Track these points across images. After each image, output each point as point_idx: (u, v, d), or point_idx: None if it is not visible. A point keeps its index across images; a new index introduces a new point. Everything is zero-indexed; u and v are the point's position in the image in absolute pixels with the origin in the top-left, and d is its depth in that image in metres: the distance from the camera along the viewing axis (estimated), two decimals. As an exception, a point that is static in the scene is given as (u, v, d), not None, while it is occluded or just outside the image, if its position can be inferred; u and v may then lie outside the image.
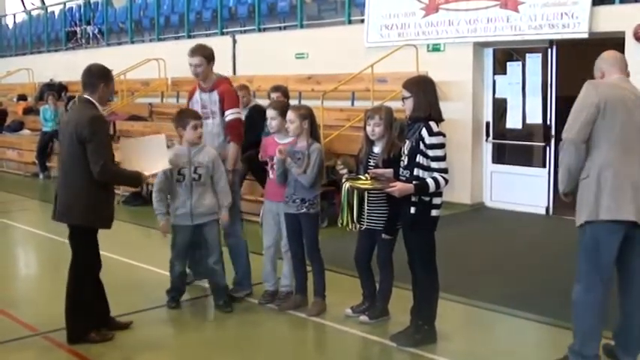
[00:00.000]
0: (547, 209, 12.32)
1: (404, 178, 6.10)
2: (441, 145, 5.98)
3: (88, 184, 6.17)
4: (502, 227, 11.75)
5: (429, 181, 5.93)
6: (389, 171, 6.37)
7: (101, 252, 6.73)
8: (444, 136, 6.02)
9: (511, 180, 12.84)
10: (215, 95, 7.73)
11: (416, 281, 6.44)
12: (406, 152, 6.15)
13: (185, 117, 7.23)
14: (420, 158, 5.99)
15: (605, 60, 5.88)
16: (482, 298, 7.64)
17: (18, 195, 15.58)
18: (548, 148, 12.32)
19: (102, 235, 6.43)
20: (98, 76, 6.47)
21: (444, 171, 5.98)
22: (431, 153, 5.95)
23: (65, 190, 6.34)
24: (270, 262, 7.45)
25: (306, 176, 6.92)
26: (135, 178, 6.63)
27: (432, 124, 5.98)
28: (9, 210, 13.91)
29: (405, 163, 6.14)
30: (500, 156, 13.28)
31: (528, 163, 13.06)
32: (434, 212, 6.09)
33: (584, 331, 5.65)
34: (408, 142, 6.14)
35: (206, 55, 7.76)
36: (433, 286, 6.34)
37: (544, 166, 12.43)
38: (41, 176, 18.00)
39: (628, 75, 5.77)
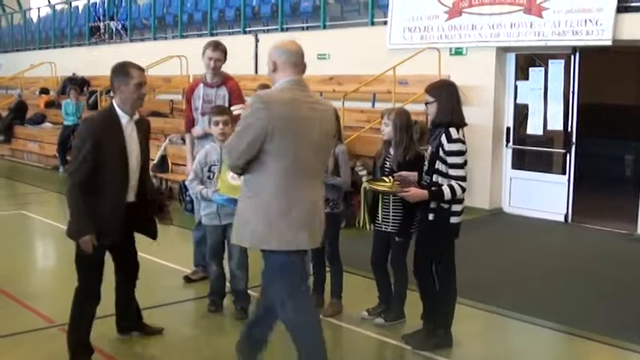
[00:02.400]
0: (566, 216, 12.25)
1: (425, 184, 6.09)
2: (460, 153, 5.93)
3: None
4: (520, 233, 11.70)
5: (445, 188, 5.89)
6: (413, 174, 6.30)
7: None
8: (463, 143, 5.97)
9: (530, 186, 12.79)
10: (223, 90, 8.09)
11: (421, 287, 6.43)
12: (427, 158, 6.14)
13: (210, 113, 7.21)
14: (438, 164, 5.98)
15: (281, 51, 5.04)
16: (499, 304, 7.62)
17: (38, 187, 15.70)
18: (568, 155, 12.25)
19: None
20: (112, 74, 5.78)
21: (462, 179, 5.92)
22: (449, 160, 5.92)
23: None
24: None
25: (342, 180, 6.92)
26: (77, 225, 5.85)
27: (452, 130, 5.93)
28: (28, 202, 14.01)
29: (426, 168, 6.13)
30: (520, 162, 13.23)
31: (548, 169, 13.01)
32: (453, 219, 6.05)
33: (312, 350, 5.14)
34: (430, 147, 6.13)
35: (225, 51, 8.17)
36: (451, 292, 6.32)
37: (564, 172, 12.37)
38: (61, 169, 18.11)
39: (304, 70, 5.05)
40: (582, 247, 10.74)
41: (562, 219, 12.26)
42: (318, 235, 5.05)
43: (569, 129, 12.22)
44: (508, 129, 13.07)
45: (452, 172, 5.92)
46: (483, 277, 8.79)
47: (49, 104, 21.68)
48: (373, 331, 6.75)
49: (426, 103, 6.12)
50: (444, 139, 5.92)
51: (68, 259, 9.70)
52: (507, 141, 13.07)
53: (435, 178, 6.00)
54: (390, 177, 6.43)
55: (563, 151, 12.42)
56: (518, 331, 7.19)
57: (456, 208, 6.03)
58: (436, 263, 6.32)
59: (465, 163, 5.99)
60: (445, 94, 6.05)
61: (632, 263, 9.67)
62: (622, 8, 11.23)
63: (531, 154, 13.39)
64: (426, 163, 6.14)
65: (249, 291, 7.25)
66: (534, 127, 12.74)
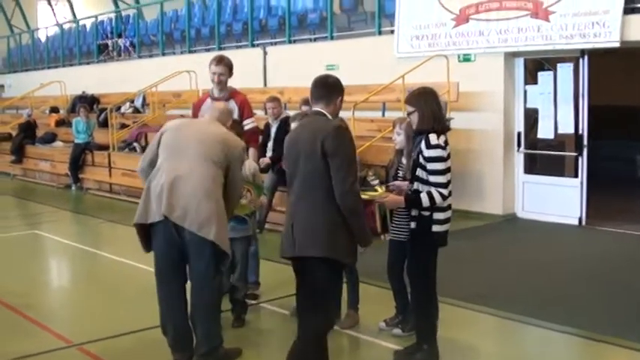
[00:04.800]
0: (580, 220, 12.22)
1: (408, 192, 6.02)
2: (439, 159, 5.83)
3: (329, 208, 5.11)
4: (534, 238, 11.67)
5: (423, 195, 5.81)
6: (406, 183, 6.28)
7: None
8: (443, 149, 5.86)
9: (543, 190, 12.77)
10: (232, 104, 8.04)
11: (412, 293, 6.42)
12: (411, 166, 6.11)
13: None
14: (419, 171, 5.91)
15: None
16: (513, 309, 7.58)
17: (50, 206, 15.71)
18: (580, 158, 12.24)
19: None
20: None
21: (442, 186, 5.82)
22: (429, 166, 5.83)
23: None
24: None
25: None
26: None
27: (432, 136, 5.84)
28: (42, 221, 14.03)
29: (410, 177, 6.09)
30: (532, 166, 13.21)
31: (560, 173, 12.96)
32: (435, 228, 5.93)
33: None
34: (413, 155, 6.11)
35: (229, 65, 8.24)
36: (429, 303, 6.21)
37: (576, 176, 12.34)
38: (73, 188, 18.15)
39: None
40: (597, 249, 10.70)
41: (576, 222, 12.23)
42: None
43: (580, 132, 12.20)
44: (519, 134, 13.06)
45: (432, 178, 5.83)
46: (499, 282, 8.78)
47: (60, 123, 21.76)
48: (391, 341, 6.71)
49: (408, 114, 6.10)
50: (423, 145, 5.85)
51: (83, 278, 9.81)
52: (518, 146, 13.06)
53: (415, 185, 5.94)
54: (383, 186, 6.41)
55: (575, 154, 12.39)
56: (535, 336, 7.15)
57: (438, 216, 5.92)
58: (416, 275, 6.25)
59: (448, 169, 5.89)
60: (424, 101, 5.97)
61: (649, 265, 9.65)
62: (629, 10, 11.24)
63: (543, 158, 13.36)
64: (410, 171, 6.11)
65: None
66: (545, 131, 12.74)
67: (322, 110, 5.40)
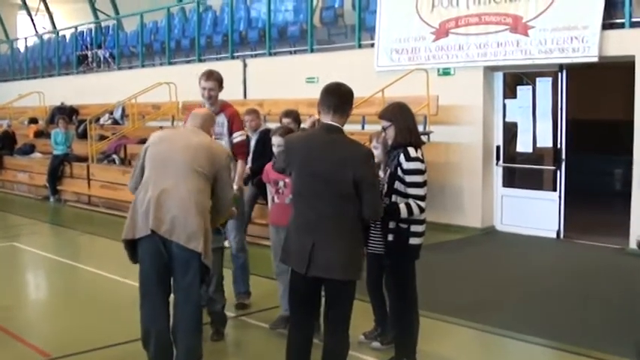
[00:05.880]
0: (558, 233, 12.29)
1: (384, 205, 5.97)
2: (418, 171, 5.90)
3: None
4: (513, 251, 11.72)
5: (401, 206, 5.84)
6: None
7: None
8: (422, 162, 5.93)
9: (522, 203, 12.83)
10: (222, 118, 8.07)
11: (391, 306, 6.42)
12: (386, 180, 6.12)
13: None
14: (397, 184, 5.93)
15: None
16: (492, 322, 7.60)
17: (29, 218, 15.60)
18: (558, 172, 12.31)
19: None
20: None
21: (420, 198, 5.87)
22: (408, 179, 5.88)
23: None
24: (283, 287, 7.42)
25: None
26: None
27: (411, 149, 5.92)
28: (20, 233, 13.91)
29: (385, 190, 6.06)
30: (511, 180, 13.27)
31: (539, 186, 13.05)
32: (413, 240, 5.98)
33: None
34: (388, 169, 6.11)
35: (219, 79, 8.19)
36: (409, 316, 6.21)
37: (554, 189, 12.42)
38: (52, 199, 18.04)
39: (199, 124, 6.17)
40: (575, 263, 10.75)
41: (554, 235, 12.29)
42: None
43: (559, 146, 12.28)
44: (498, 147, 13.12)
45: (410, 190, 5.88)
46: (478, 295, 8.79)
47: (38, 134, 21.63)
48: (370, 354, 6.71)
49: (384, 128, 6.12)
50: (402, 158, 5.89)
51: (62, 291, 9.74)
52: (497, 159, 13.12)
53: (393, 198, 5.95)
54: None
55: (553, 167, 12.46)
56: (514, 349, 7.18)
57: (415, 228, 5.97)
58: (395, 288, 6.29)
59: (425, 183, 5.94)
60: (400, 115, 6.06)
61: (625, 278, 9.69)
62: (607, 25, 11.34)
63: (521, 171, 13.44)
64: (385, 185, 6.09)
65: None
66: (524, 145, 12.81)
67: (336, 124, 5.33)
